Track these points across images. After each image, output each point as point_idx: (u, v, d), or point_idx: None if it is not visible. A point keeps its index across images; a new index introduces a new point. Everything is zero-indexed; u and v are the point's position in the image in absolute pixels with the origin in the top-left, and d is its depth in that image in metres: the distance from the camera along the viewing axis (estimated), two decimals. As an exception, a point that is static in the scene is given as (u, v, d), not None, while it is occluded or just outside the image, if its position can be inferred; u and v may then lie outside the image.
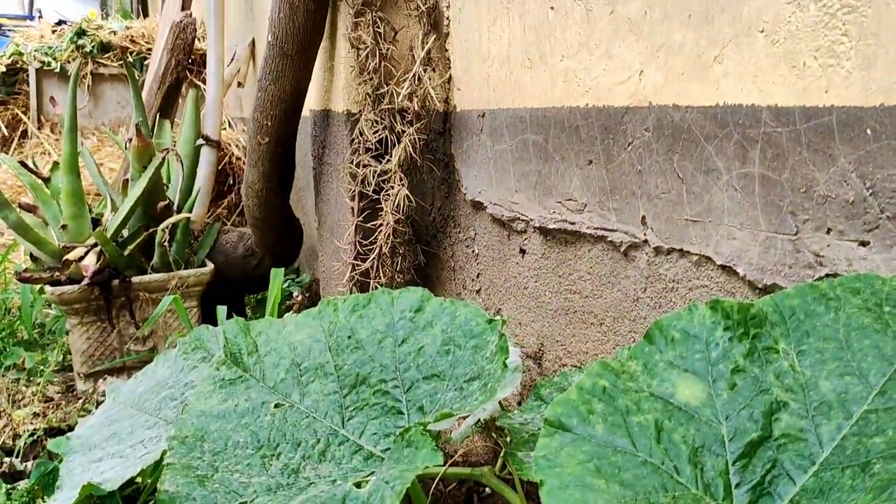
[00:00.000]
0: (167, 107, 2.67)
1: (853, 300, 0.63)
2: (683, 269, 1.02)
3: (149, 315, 1.98)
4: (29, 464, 1.52)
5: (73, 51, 3.87)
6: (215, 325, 1.73)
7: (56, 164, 2.07)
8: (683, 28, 0.96)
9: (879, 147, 0.73)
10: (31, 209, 2.01)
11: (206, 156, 2.31)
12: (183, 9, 2.88)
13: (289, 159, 1.97)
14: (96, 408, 1.70)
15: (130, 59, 3.89)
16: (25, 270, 1.93)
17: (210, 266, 2.12)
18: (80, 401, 1.86)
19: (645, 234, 1.08)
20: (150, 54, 3.80)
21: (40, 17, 6.32)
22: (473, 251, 1.60)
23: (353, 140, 1.70)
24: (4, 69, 3.91)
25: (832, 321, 0.63)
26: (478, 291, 1.61)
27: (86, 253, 1.91)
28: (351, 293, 1.75)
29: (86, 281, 1.86)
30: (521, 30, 1.33)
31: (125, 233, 2.01)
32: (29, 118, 3.94)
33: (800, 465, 0.58)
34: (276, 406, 0.88)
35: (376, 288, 1.69)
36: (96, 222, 2.06)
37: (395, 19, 1.68)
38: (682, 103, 0.98)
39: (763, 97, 0.85)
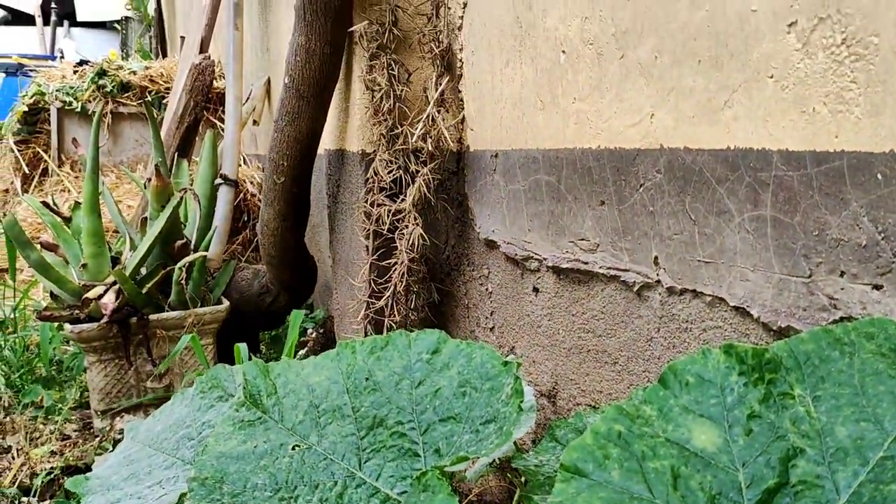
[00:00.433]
0: (185, 146, 2.72)
1: (867, 345, 0.64)
2: (697, 309, 1.02)
3: (166, 352, 1.99)
4: (46, 503, 1.53)
5: (94, 91, 3.96)
6: (231, 362, 1.74)
7: (77, 203, 2.11)
8: (693, 73, 0.97)
9: (890, 192, 0.74)
10: (52, 248, 2.05)
11: (224, 195, 2.35)
12: (201, 51, 2.95)
13: (304, 198, 1.99)
14: (113, 446, 1.71)
15: (149, 98, 3.97)
16: (46, 309, 1.95)
17: (226, 303, 2.14)
18: (97, 439, 1.87)
19: (658, 275, 1.08)
20: (168, 93, 3.88)
21: (62, 57, 6.47)
22: (487, 289, 1.61)
23: (367, 179, 1.73)
24: (27, 109, 4.00)
25: (847, 366, 0.63)
26: (492, 329, 1.61)
27: (105, 291, 1.94)
28: (365, 331, 1.76)
29: (105, 319, 1.89)
30: (533, 72, 1.35)
31: (143, 271, 2.04)
32: (50, 156, 4.02)
33: (818, 512, 0.58)
34: (295, 448, 0.89)
35: (391, 326, 1.70)
36: (115, 260, 2.10)
37: (409, 61, 1.71)
38: (693, 146, 0.99)
39: (774, 141, 0.87)
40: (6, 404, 2.02)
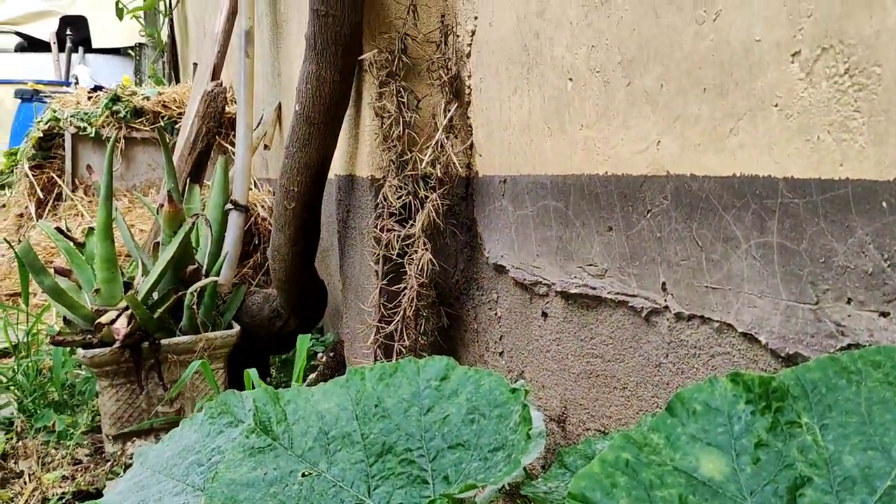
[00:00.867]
0: (197, 171, 2.75)
1: (874, 374, 0.64)
2: (705, 335, 1.03)
3: (177, 376, 2.00)
4: (57, 529, 1.54)
5: (108, 116, 4.02)
6: (241, 386, 1.75)
7: (91, 229, 2.14)
8: (698, 101, 0.99)
9: (895, 220, 0.74)
10: (65, 273, 2.07)
11: (234, 220, 2.37)
12: (213, 78, 2.99)
13: (314, 224, 2.01)
14: (124, 471, 1.72)
15: (162, 124, 4.02)
16: (59, 334, 1.97)
17: (236, 328, 2.16)
18: (109, 463, 1.88)
19: (665, 301, 1.09)
20: (181, 118, 3.93)
21: (77, 83, 6.56)
22: (496, 314, 1.62)
23: (377, 205, 1.75)
24: (42, 134, 4.06)
25: (854, 395, 0.64)
26: (501, 354, 1.61)
27: (117, 316, 1.95)
28: (375, 355, 1.77)
29: (117, 344, 1.90)
30: (540, 99, 1.37)
31: (155, 295, 2.06)
32: (64, 181, 4.07)
33: (827, 542, 0.58)
34: (304, 475, 0.90)
35: (401, 351, 1.71)
36: (128, 285, 2.12)
37: (418, 89, 1.73)
38: (699, 173, 1.00)
39: (779, 169, 0.87)
40: (19, 429, 2.04)
